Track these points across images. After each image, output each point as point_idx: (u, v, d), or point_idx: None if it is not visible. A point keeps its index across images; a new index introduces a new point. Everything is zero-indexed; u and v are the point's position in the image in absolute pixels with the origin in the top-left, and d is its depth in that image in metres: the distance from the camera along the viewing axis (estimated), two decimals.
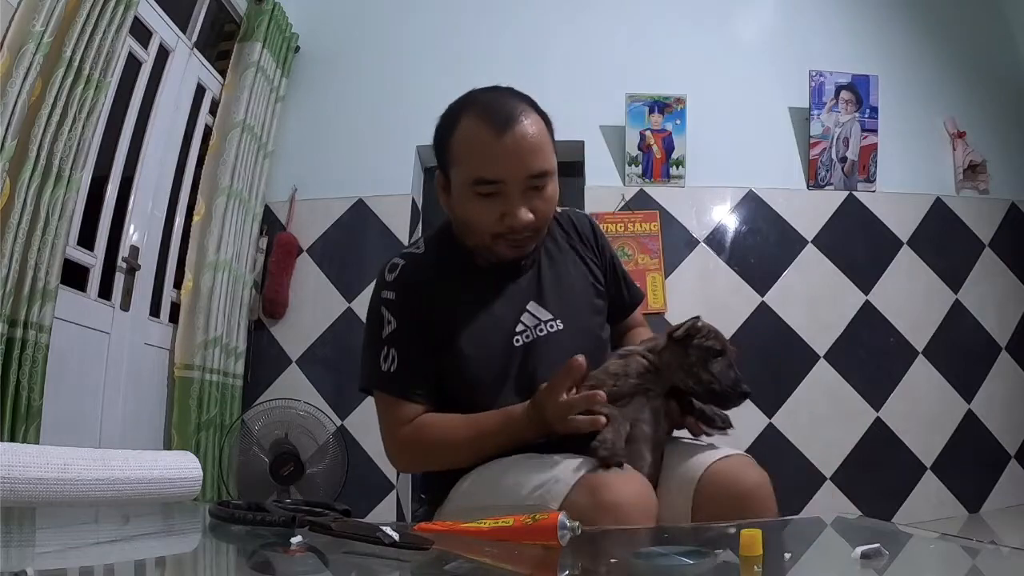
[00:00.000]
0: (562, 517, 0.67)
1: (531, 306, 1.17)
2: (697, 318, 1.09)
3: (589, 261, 1.27)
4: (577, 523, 0.67)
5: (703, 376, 1.04)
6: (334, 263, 3.18)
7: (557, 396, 1.00)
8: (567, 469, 0.96)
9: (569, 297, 1.20)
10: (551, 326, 1.16)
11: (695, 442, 1.12)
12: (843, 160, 3.24)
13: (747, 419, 2.91)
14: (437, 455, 1.13)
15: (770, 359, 3.05)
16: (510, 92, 1.12)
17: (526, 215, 1.06)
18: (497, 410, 1.08)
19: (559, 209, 1.26)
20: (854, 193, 3.23)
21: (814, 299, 3.13)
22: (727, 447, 1.07)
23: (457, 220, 1.16)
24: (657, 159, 3.23)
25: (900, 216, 3.22)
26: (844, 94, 3.25)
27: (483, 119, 1.06)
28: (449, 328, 1.13)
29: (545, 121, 1.11)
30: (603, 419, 0.99)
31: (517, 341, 1.14)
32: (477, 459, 1.09)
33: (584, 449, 1.01)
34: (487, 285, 1.17)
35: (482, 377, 1.14)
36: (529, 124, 1.06)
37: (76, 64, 1.98)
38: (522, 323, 1.15)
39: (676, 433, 1.14)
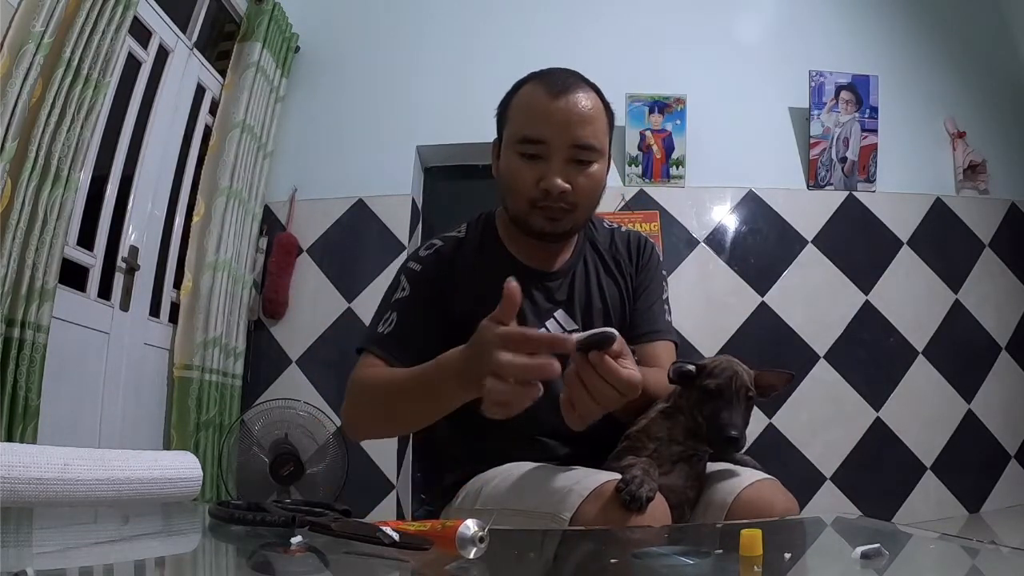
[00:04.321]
0: (463, 528, 0.56)
1: (558, 314, 1.15)
2: (706, 364, 1.00)
3: (624, 278, 1.23)
4: (484, 533, 0.56)
5: (698, 419, 0.97)
6: (334, 263, 3.18)
7: (497, 325, 0.78)
8: (582, 480, 0.94)
9: (595, 313, 1.18)
10: None
11: (720, 467, 1.08)
12: (843, 160, 3.24)
13: None
14: (371, 395, 1.05)
15: (770, 359, 3.04)
16: (578, 74, 1.13)
17: (562, 183, 1.06)
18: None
19: (630, 230, 1.27)
20: (854, 193, 3.24)
21: (814, 299, 3.13)
22: (750, 470, 1.06)
23: (501, 186, 1.14)
24: (657, 159, 3.23)
25: (900, 216, 3.22)
26: (844, 94, 3.25)
27: (542, 84, 1.09)
28: (469, 317, 1.08)
29: (606, 108, 1.12)
30: (553, 369, 0.76)
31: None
32: (406, 408, 0.99)
33: (601, 464, 1.00)
34: (518, 283, 1.16)
35: None
36: (584, 97, 1.08)
37: (76, 64, 1.98)
38: (546, 328, 1.13)
39: None
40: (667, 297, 1.25)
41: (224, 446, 2.73)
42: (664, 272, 1.28)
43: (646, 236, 1.30)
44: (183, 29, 2.83)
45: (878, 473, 2.99)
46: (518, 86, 1.13)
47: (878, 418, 3.04)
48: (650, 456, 0.98)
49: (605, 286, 1.21)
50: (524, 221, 1.12)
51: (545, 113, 1.06)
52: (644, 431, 1.02)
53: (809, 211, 3.22)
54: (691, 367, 0.99)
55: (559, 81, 1.08)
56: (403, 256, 2.76)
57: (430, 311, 1.11)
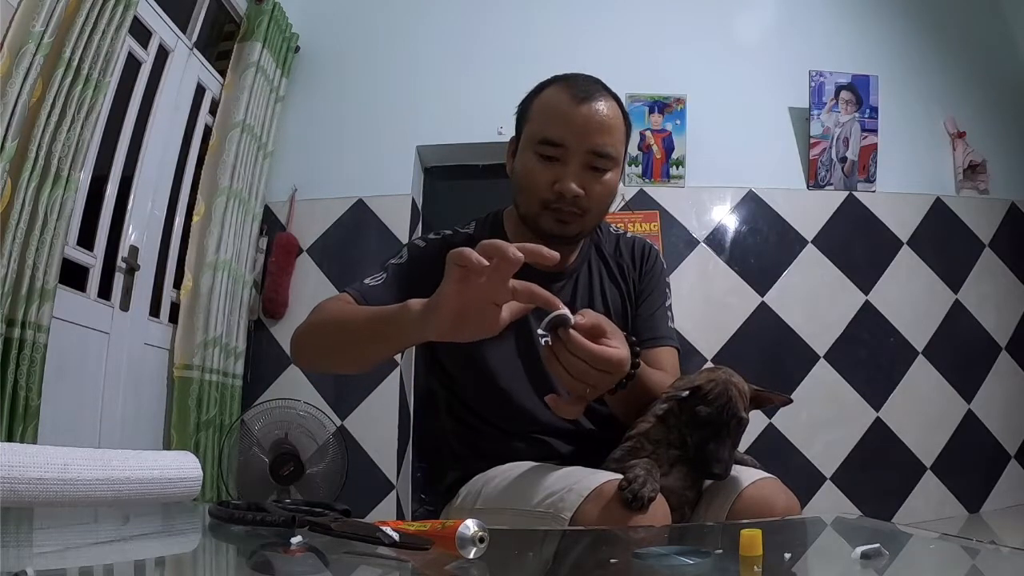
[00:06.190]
0: (463, 528, 0.57)
1: None
2: (701, 386, 0.99)
3: (627, 284, 1.24)
4: (484, 533, 0.57)
5: (687, 440, 0.99)
6: (334, 263, 3.19)
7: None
8: (582, 480, 0.94)
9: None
10: None
11: None
12: (843, 160, 3.24)
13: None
14: (327, 318, 1.04)
15: (770, 359, 3.05)
16: (601, 82, 1.15)
17: (576, 187, 1.08)
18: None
19: (635, 236, 1.29)
20: (854, 193, 3.24)
21: (814, 299, 3.13)
22: (751, 469, 1.06)
23: (515, 184, 1.16)
24: (657, 159, 3.23)
25: (900, 216, 3.22)
26: (844, 94, 3.25)
27: (566, 88, 1.11)
28: None
29: (625, 119, 1.14)
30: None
31: (545, 341, 1.13)
32: (361, 344, 0.99)
33: (601, 464, 1.00)
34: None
35: (496, 368, 1.13)
36: (606, 107, 1.10)
37: (76, 64, 1.98)
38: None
39: None
40: (670, 304, 1.26)
41: (224, 446, 2.73)
42: (668, 280, 1.29)
43: (651, 243, 1.31)
44: (183, 29, 2.83)
45: (878, 473, 2.99)
46: (541, 87, 1.15)
47: (878, 418, 3.04)
48: (649, 457, 0.98)
49: (608, 290, 1.22)
50: (534, 221, 1.13)
51: (567, 117, 1.08)
52: (644, 434, 1.02)
53: (809, 211, 3.22)
54: (684, 394, 0.98)
55: (583, 87, 1.10)
56: None
57: (417, 286, 1.10)
